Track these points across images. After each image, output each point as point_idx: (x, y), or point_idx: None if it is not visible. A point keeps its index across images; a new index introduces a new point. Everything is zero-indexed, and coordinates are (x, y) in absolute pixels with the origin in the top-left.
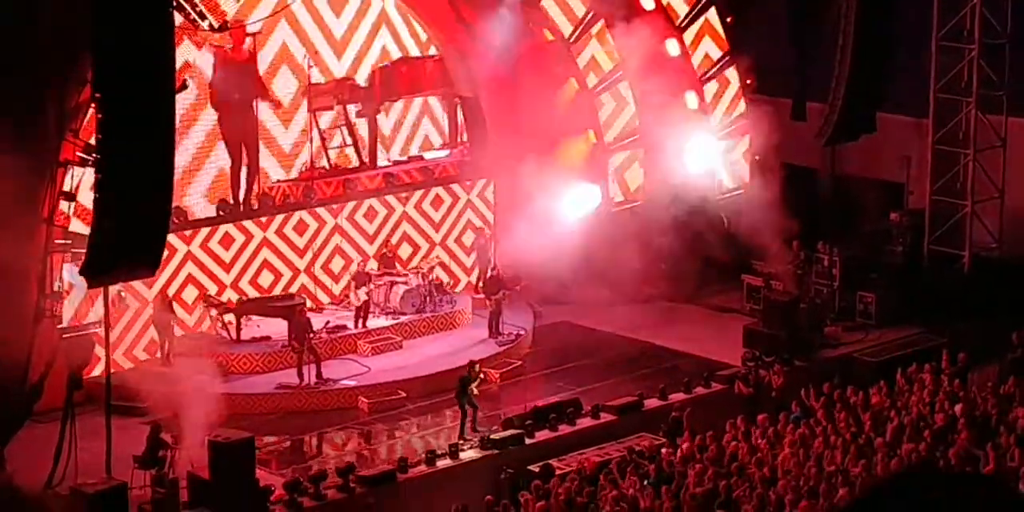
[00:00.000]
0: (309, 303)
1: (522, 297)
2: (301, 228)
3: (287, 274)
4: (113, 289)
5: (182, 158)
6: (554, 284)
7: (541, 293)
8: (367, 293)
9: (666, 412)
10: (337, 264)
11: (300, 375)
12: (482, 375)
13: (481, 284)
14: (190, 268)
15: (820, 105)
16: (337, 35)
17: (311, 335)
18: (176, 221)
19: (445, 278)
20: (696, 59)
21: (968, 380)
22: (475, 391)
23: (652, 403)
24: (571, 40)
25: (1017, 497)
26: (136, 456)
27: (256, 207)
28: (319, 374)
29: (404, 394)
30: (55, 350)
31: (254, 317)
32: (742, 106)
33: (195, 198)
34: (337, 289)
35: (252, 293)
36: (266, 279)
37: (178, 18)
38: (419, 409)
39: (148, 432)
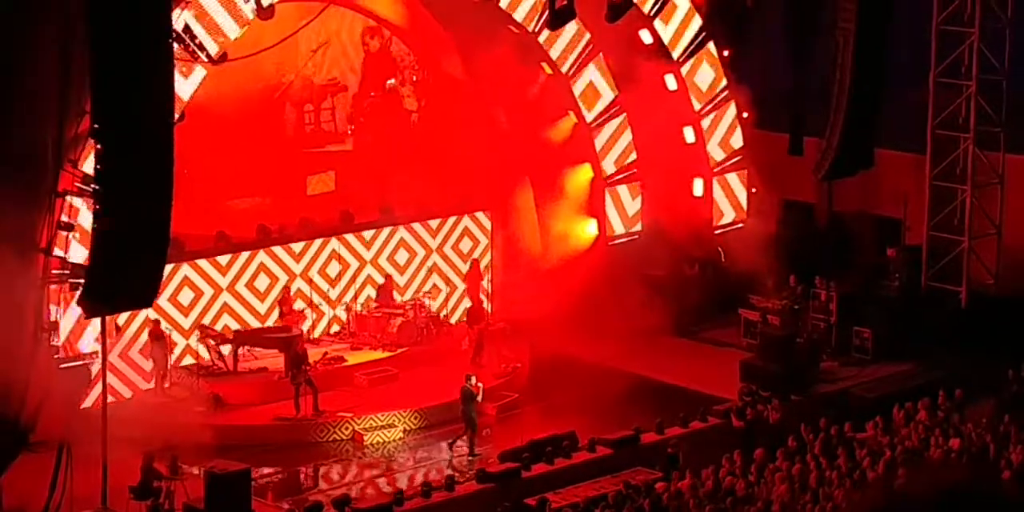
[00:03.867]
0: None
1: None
2: None
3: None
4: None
5: None
6: (550, 317)
7: (536, 326)
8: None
9: (662, 446)
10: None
11: (297, 406)
12: (480, 385)
13: (466, 314)
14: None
15: (817, 140)
16: None
17: (307, 367)
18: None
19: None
20: (694, 93)
21: (964, 416)
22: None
23: (649, 437)
24: (569, 73)
25: None
26: (132, 487)
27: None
28: (316, 406)
29: (396, 425)
30: (51, 380)
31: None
32: (739, 140)
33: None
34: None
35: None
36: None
37: (177, 50)
38: (415, 441)
39: (142, 462)
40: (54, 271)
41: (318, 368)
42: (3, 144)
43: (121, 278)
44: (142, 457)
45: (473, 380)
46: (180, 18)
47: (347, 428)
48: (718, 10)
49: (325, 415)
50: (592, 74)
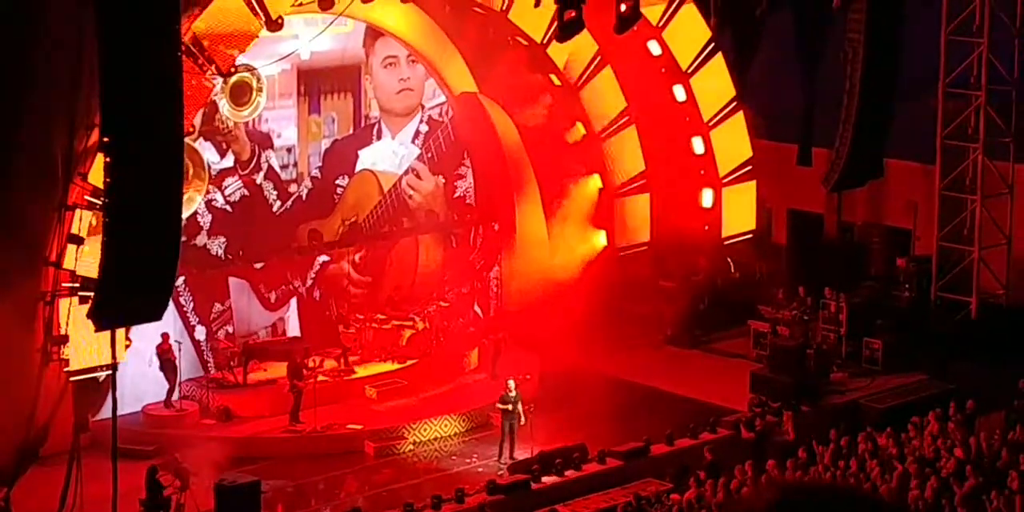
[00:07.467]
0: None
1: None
2: None
3: None
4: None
5: None
6: (560, 328)
7: (545, 336)
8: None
9: (672, 458)
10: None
11: (295, 418)
12: (517, 394)
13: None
14: None
15: (826, 150)
16: None
17: (305, 377)
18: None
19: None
20: (702, 104)
21: (975, 427)
22: (509, 408)
23: (659, 448)
24: (578, 84)
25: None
26: (142, 500)
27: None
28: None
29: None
30: (62, 393)
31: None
32: (748, 151)
33: None
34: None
35: None
36: None
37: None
38: (425, 453)
39: (146, 475)
40: (64, 284)
41: (329, 380)
42: (13, 157)
43: (131, 291)
44: (146, 470)
45: (512, 385)
46: (189, 31)
47: (357, 440)
48: (728, 21)
49: (334, 427)
50: (601, 85)
